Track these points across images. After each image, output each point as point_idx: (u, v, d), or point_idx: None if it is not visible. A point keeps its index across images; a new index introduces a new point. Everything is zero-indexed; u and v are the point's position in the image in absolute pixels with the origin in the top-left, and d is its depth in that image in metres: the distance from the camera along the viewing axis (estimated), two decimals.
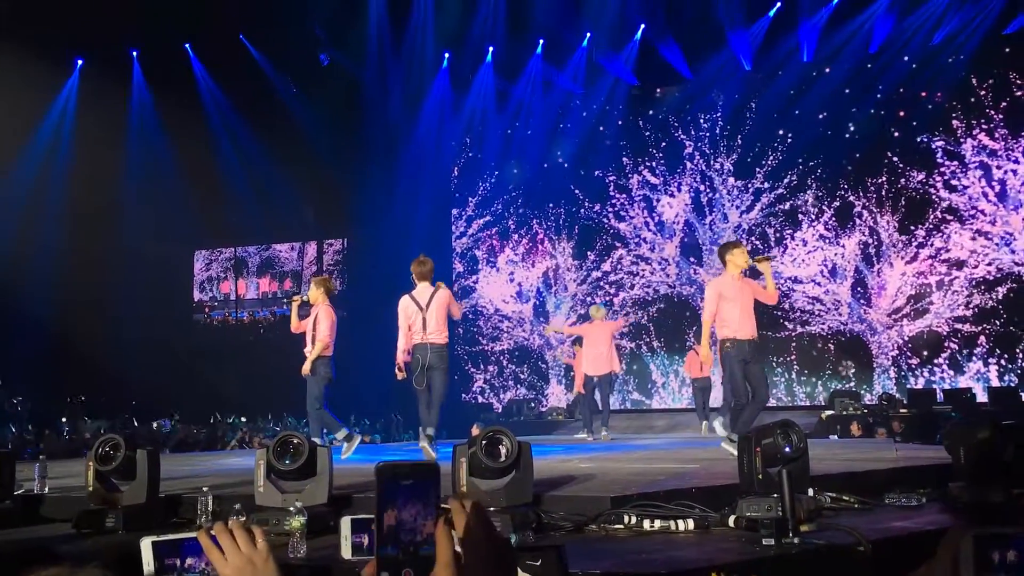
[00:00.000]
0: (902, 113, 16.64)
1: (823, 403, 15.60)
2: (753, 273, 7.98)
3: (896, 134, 16.69)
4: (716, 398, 15.63)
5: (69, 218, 16.62)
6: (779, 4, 16.48)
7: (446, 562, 1.30)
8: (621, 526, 4.05)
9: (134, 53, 17.17)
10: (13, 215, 15.77)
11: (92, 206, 16.84)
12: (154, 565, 1.54)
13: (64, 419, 14.56)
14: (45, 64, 15.64)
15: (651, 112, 18.64)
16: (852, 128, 17.02)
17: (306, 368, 8.33)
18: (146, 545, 1.50)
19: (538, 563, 1.91)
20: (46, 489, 5.37)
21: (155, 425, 15.20)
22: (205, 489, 4.56)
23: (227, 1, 15.48)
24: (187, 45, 17.23)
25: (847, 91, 16.96)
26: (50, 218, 16.36)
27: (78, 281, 16.44)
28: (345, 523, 1.48)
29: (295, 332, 8.91)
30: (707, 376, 14.15)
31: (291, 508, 3.95)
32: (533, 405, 18.08)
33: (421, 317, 7.79)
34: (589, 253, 18.85)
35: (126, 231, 17.57)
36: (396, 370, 8.04)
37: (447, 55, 18.12)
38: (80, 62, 16.84)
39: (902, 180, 16.66)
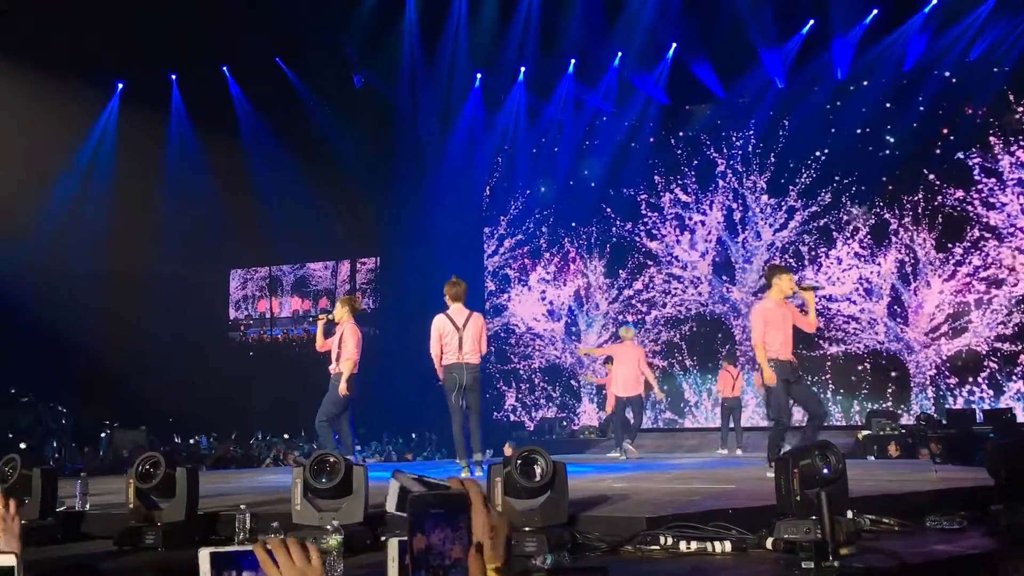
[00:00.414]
0: (939, 130, 16.46)
1: (859, 423, 15.40)
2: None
3: (932, 151, 16.51)
4: (745, 418, 15.52)
5: (108, 238, 16.91)
6: (812, 22, 16.41)
7: None
8: (657, 547, 4.02)
9: (173, 77, 17.49)
10: (53, 235, 16.06)
11: (130, 227, 17.12)
12: (212, 575, 1.58)
13: (103, 436, 14.74)
14: (87, 87, 15.98)
15: (683, 130, 18.63)
16: (887, 145, 16.87)
17: (343, 387, 8.37)
18: (204, 556, 1.54)
19: None
20: (87, 506, 5.45)
21: (191, 441, 15.37)
22: (243, 507, 4.60)
23: (263, 25, 15.73)
24: (224, 68, 17.51)
25: (881, 108, 16.85)
26: (89, 238, 16.65)
27: (116, 301, 16.71)
28: (392, 544, 1.48)
29: (320, 351, 9.01)
30: (737, 396, 14.09)
31: (328, 527, 3.98)
32: (565, 424, 18.04)
33: (457, 337, 7.90)
34: (621, 271, 18.81)
35: (163, 251, 17.85)
36: (439, 382, 8.22)
37: (479, 75, 18.25)
38: (120, 86, 17.18)
39: (939, 197, 16.47)
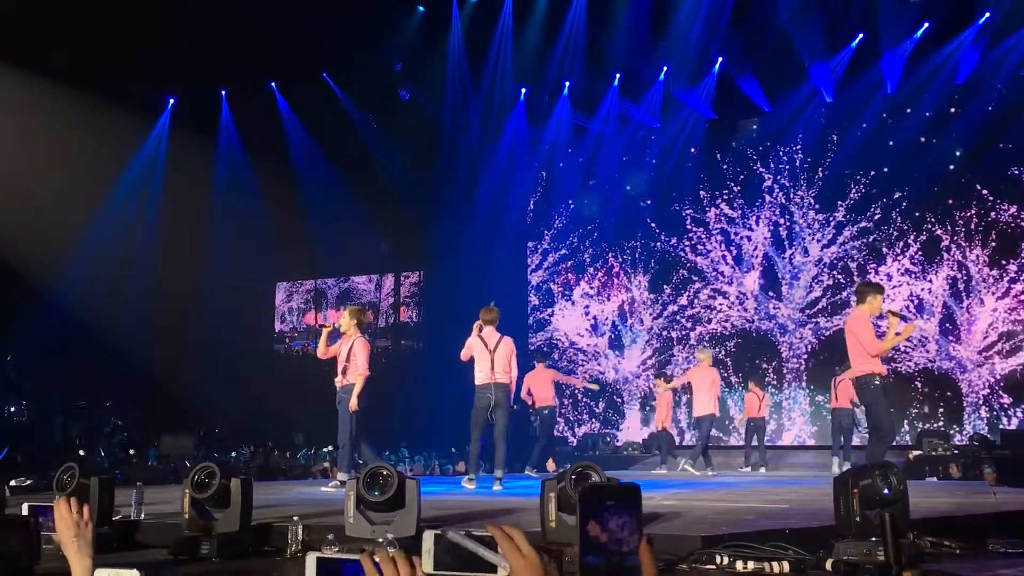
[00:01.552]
0: (992, 145, 16.12)
1: (910, 443, 15.08)
2: None
3: (985, 166, 16.18)
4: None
5: (158, 251, 17.19)
6: (861, 35, 16.22)
7: None
8: (713, 567, 3.97)
9: (223, 93, 17.78)
10: (107, 248, 16.37)
11: (180, 239, 17.41)
12: None
13: (152, 445, 14.96)
14: (139, 102, 16.29)
15: (729, 145, 18.49)
16: (938, 160, 16.54)
17: (353, 404, 8.29)
18: (311, 560, 1.56)
19: None
20: (142, 515, 5.52)
21: (232, 454, 15.52)
22: (295, 519, 4.64)
23: (311, 41, 15.94)
24: (273, 84, 17.77)
25: (932, 122, 16.55)
26: (140, 250, 16.94)
27: (165, 312, 16.95)
28: (428, 537, 1.45)
29: (322, 358, 8.85)
30: (763, 416, 14.19)
31: (380, 540, 3.99)
32: (608, 440, 17.91)
33: (489, 359, 8.59)
34: (665, 287, 18.69)
35: (212, 264, 18.11)
36: None
37: (524, 90, 18.30)
38: (172, 101, 17.52)
39: (992, 213, 16.14)
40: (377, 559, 1.45)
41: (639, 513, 1.49)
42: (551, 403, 12.68)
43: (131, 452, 14.47)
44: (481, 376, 8.59)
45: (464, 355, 8.76)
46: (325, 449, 15.28)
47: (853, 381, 7.50)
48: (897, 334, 7.53)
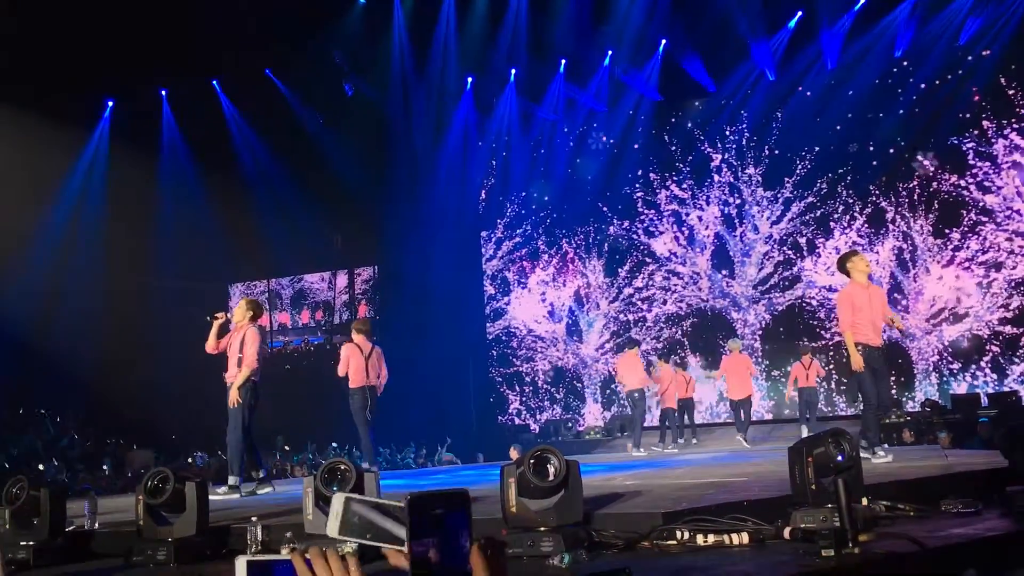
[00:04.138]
0: (931, 116, 16.43)
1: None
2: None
3: (926, 137, 16.50)
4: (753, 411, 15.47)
5: (105, 257, 16.84)
6: (800, 13, 16.42)
7: None
8: (674, 542, 3.99)
9: (163, 92, 17.44)
10: (49, 255, 16.00)
11: (127, 245, 17.07)
12: None
13: (106, 457, 14.69)
14: (76, 106, 15.93)
15: (676, 126, 18.62)
16: (880, 133, 16.84)
17: (233, 397, 7.73)
18: (241, 564, 1.50)
19: None
20: (96, 525, 5.40)
21: (188, 460, 15.27)
22: (254, 519, 4.57)
23: (252, 37, 15.69)
24: (215, 82, 17.48)
25: (873, 96, 16.83)
26: (86, 258, 16.58)
27: (116, 321, 16.63)
28: (337, 500, 1.39)
29: (211, 352, 8.14)
30: (813, 386, 14.21)
31: None
32: (571, 425, 17.99)
33: (365, 365, 9.34)
34: (620, 270, 18.80)
35: (162, 268, 17.78)
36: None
37: (470, 79, 18.23)
38: (111, 103, 17.14)
39: (934, 183, 16.47)
40: (308, 556, 1.41)
41: (470, 519, 1.41)
42: (639, 386, 13.13)
43: (88, 465, 14.18)
44: (358, 380, 9.27)
45: (342, 369, 9.40)
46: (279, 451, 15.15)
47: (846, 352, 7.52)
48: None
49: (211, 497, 7.09)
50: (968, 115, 16.16)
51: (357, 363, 9.35)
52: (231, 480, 7.66)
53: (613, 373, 14.00)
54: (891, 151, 16.77)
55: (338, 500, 1.50)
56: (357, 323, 10.00)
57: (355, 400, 9.34)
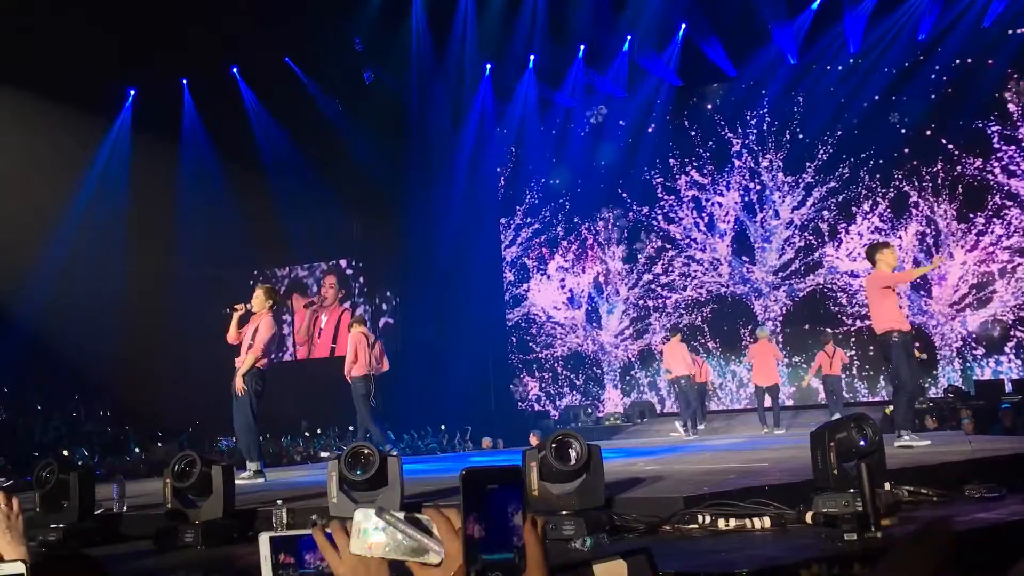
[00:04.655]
0: (955, 100, 16.25)
1: (887, 398, 15.28)
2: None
3: (950, 121, 16.32)
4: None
5: (128, 244, 16.99)
6: None
7: (537, 563, 1.31)
8: (696, 526, 4.01)
9: (184, 81, 17.53)
10: (72, 242, 16.16)
11: (149, 232, 17.19)
12: (271, 560, 1.56)
13: (133, 442, 14.86)
14: (98, 95, 16.05)
15: (696, 111, 18.51)
16: (903, 116, 16.67)
17: (238, 384, 7.66)
18: (264, 540, 1.52)
19: (627, 566, 1.90)
20: (124, 508, 5.49)
21: (213, 445, 15.42)
22: (279, 502, 4.63)
23: (272, 24, 15.73)
24: (235, 69, 17.53)
25: (896, 80, 16.65)
26: (108, 245, 16.72)
27: (137, 306, 16.77)
28: (359, 515, 1.34)
29: (232, 343, 8.03)
30: (837, 374, 14.26)
31: None
32: (590, 411, 18.01)
33: (369, 355, 9.92)
34: (639, 256, 18.75)
35: (182, 256, 17.91)
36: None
37: (489, 65, 18.19)
38: (132, 92, 17.25)
39: (958, 167, 16.30)
40: (329, 530, 1.44)
41: (522, 497, 1.40)
42: (686, 372, 13.51)
43: (116, 450, 14.36)
44: (363, 368, 9.91)
45: (352, 356, 9.98)
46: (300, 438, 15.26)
47: (877, 339, 7.60)
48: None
49: (237, 481, 7.12)
50: (993, 98, 15.95)
51: (364, 352, 9.91)
52: (252, 466, 7.71)
53: (659, 358, 14.48)
54: (914, 135, 16.59)
55: (359, 516, 1.47)
56: (358, 318, 11.13)
57: (359, 387, 9.83)
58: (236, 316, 8.01)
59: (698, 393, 14.77)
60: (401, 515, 1.46)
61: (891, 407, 13.73)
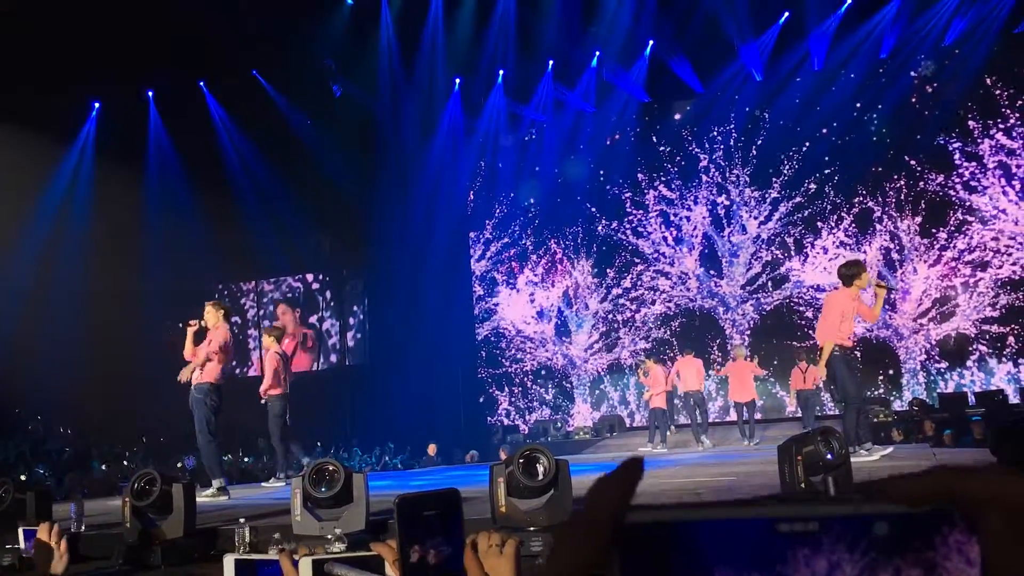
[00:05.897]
0: (917, 117, 16.53)
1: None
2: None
3: (913, 137, 16.59)
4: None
5: (91, 259, 16.72)
6: (787, 14, 16.48)
7: None
8: None
9: (150, 93, 17.34)
10: (34, 257, 15.89)
11: (113, 246, 16.94)
12: None
13: (94, 460, 14.59)
14: (62, 107, 15.83)
15: (664, 127, 18.65)
16: (867, 133, 16.93)
17: (184, 375, 7.89)
18: (229, 563, 1.48)
19: None
20: (82, 528, 5.36)
21: (179, 464, 15.18)
22: (242, 520, 4.53)
23: (239, 38, 15.62)
24: (201, 83, 17.39)
25: (860, 97, 16.92)
26: (71, 259, 16.45)
27: (102, 322, 16.49)
28: (304, 565, 1.28)
29: (189, 359, 8.09)
30: (810, 387, 14.28)
31: (329, 536, 3.92)
32: (560, 425, 17.98)
33: (285, 374, 9.31)
34: (608, 270, 18.80)
35: (147, 270, 17.65)
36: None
37: (458, 80, 18.21)
38: (96, 105, 17.04)
39: (921, 183, 16.55)
40: (296, 557, 1.40)
41: (462, 520, 1.37)
42: (698, 387, 13.88)
43: (74, 469, 14.06)
44: (281, 387, 9.22)
45: (271, 378, 9.25)
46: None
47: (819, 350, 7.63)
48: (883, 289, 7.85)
49: (198, 499, 6.96)
50: (954, 116, 16.24)
51: (281, 372, 9.22)
52: (216, 483, 7.70)
53: (674, 373, 14.39)
54: (877, 151, 16.84)
55: (305, 567, 1.41)
56: (276, 330, 9.82)
57: (276, 407, 9.10)
58: (191, 332, 8.09)
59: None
60: (347, 568, 1.41)
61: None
